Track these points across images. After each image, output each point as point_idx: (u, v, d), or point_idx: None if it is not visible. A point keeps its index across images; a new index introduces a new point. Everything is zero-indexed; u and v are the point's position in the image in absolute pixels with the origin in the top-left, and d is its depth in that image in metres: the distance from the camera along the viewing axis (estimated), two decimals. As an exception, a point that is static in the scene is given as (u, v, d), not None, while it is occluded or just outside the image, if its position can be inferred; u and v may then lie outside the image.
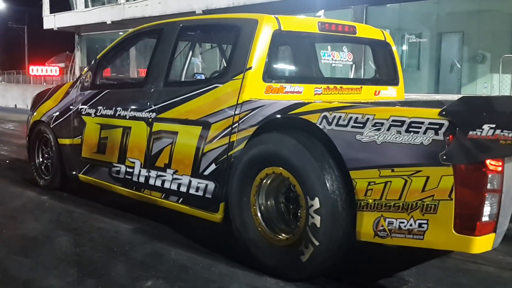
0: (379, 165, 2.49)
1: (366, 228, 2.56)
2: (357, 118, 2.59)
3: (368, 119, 2.55)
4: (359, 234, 2.59)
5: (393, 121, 2.45)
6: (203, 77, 3.91)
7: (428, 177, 2.34)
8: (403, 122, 2.42)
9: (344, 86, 3.73)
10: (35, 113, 5.12)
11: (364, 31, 3.94)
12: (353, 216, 2.60)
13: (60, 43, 27.15)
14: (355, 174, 2.57)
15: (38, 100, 5.19)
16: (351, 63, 3.86)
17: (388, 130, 2.46)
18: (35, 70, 22.49)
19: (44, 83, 21.31)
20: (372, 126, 2.52)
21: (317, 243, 2.64)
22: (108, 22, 17.84)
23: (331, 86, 3.64)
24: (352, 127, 2.59)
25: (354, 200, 2.58)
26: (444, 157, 2.27)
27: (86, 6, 19.86)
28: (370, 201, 2.52)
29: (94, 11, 18.70)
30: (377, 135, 2.50)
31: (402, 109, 2.55)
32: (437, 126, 2.31)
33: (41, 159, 5.06)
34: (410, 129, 2.39)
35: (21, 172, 5.78)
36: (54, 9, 21.24)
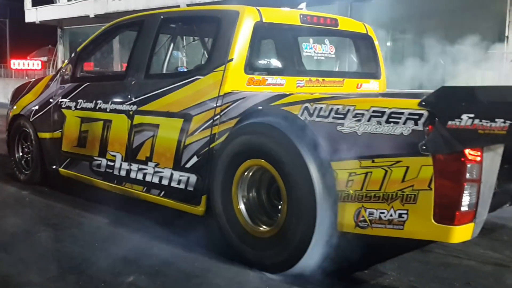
0: (360, 156, 2.49)
1: (347, 219, 2.56)
2: (338, 109, 2.59)
3: (348, 110, 2.55)
4: (340, 225, 2.59)
5: (373, 112, 2.46)
6: (184, 70, 3.87)
7: (408, 168, 2.34)
8: (383, 112, 2.43)
9: (326, 79, 3.73)
10: (14, 107, 5.03)
11: (346, 24, 3.94)
12: (334, 207, 2.60)
13: (42, 37, 26.73)
14: (336, 165, 2.57)
15: (18, 94, 5.10)
16: (333, 56, 3.86)
17: (368, 121, 2.46)
18: (16, 64, 22.12)
19: (26, 77, 20.96)
20: (352, 117, 2.52)
21: (299, 235, 2.63)
22: (91, 15, 17.62)
23: (313, 78, 3.64)
24: (333, 118, 2.59)
25: (335, 191, 2.58)
26: (424, 147, 2.28)
27: (69, -1, 19.60)
28: (351, 192, 2.53)
29: (77, 4, 18.44)
30: (357, 126, 2.50)
31: (382, 100, 2.56)
32: (417, 117, 2.32)
33: (21, 154, 4.98)
34: (390, 119, 2.40)
35: (0, 167, 5.68)
36: (36, 2, 20.90)
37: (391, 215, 2.41)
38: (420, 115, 2.31)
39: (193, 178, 3.28)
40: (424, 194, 2.31)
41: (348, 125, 2.53)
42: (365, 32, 4.05)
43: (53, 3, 20.32)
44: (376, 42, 4.11)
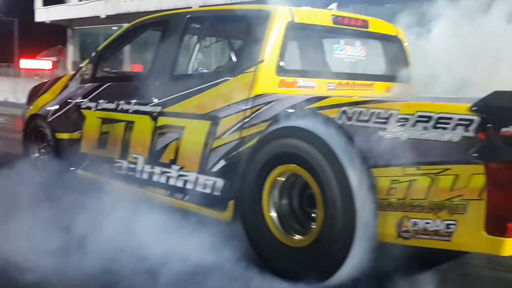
0: (404, 162, 2.37)
1: (388, 229, 2.45)
2: (379, 113, 2.48)
3: (391, 114, 2.43)
4: (380, 234, 2.48)
5: (419, 116, 2.35)
6: (205, 71, 3.79)
7: (457, 176, 2.23)
8: (430, 117, 2.31)
9: (357, 82, 3.62)
10: (31, 107, 4.95)
11: (376, 26, 3.84)
12: (374, 215, 2.48)
13: (52, 37, 26.78)
14: (377, 172, 2.46)
15: (35, 93, 5.03)
16: (364, 58, 3.75)
17: (413, 126, 2.35)
18: (26, 63, 22.16)
19: (36, 77, 20.97)
20: (396, 121, 2.41)
21: (336, 245, 2.52)
22: (102, 16, 17.63)
23: (344, 81, 3.53)
24: (375, 122, 2.48)
25: (376, 199, 2.47)
26: (475, 154, 2.16)
27: (80, -1, 19.62)
28: (393, 200, 2.41)
29: (88, 4, 18.45)
30: (401, 131, 2.39)
31: (429, 104, 2.43)
32: (467, 122, 2.20)
33: (37, 154, 4.90)
34: (438, 125, 2.28)
35: (15, 167, 5.58)
36: (46, 1, 20.94)
37: (437, 226, 2.29)
38: (471, 121, 2.19)
39: (220, 182, 3.18)
40: (474, 204, 2.19)
41: (391, 130, 2.42)
42: (394, 34, 3.94)
43: (63, 3, 20.36)
44: (405, 45, 4.00)
